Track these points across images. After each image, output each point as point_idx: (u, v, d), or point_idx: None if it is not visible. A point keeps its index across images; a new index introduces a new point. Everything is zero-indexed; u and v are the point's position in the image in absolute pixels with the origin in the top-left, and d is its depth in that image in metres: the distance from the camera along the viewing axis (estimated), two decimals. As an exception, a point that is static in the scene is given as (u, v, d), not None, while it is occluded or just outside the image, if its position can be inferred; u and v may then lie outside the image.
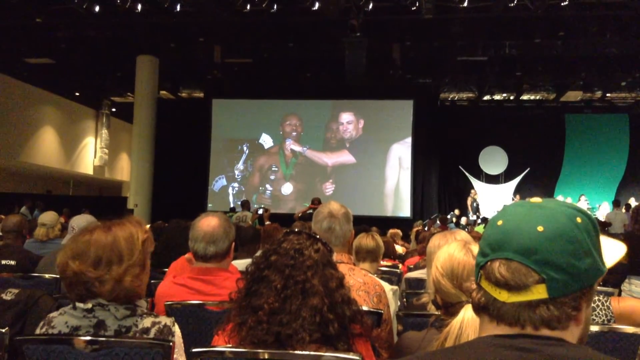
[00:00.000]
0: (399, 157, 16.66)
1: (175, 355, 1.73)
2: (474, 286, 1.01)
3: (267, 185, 17.20)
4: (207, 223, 2.53)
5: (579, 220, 0.96)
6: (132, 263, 1.77)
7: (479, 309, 1.00)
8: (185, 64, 17.28)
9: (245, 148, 17.33)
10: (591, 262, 0.95)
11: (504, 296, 0.94)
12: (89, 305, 1.74)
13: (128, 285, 1.76)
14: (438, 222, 13.61)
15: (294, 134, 17.19)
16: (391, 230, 8.29)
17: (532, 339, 0.92)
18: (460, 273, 1.68)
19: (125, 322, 1.74)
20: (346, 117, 17.00)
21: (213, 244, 2.49)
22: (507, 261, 0.94)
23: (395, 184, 16.68)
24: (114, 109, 21.84)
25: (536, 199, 1.02)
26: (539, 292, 0.92)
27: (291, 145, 17.13)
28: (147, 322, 1.76)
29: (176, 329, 1.80)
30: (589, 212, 1.03)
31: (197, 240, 2.51)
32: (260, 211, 11.68)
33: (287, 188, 17.05)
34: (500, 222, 0.98)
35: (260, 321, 1.57)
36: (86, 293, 1.73)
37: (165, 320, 1.79)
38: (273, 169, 17.20)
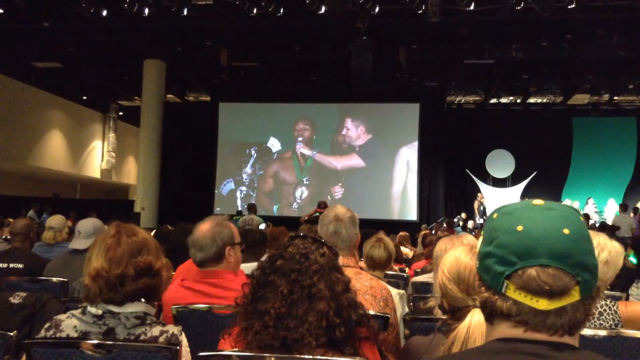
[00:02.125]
0: (407, 160, 16.65)
1: None
2: (495, 296, 0.97)
3: (280, 190, 17.22)
4: (199, 229, 2.59)
5: (581, 219, 0.99)
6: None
7: (497, 317, 0.98)
8: (192, 67, 17.31)
9: (253, 152, 17.36)
10: (596, 259, 0.98)
11: (543, 304, 0.92)
12: (100, 312, 1.75)
13: (169, 275, 1.91)
14: (445, 225, 13.58)
15: (303, 137, 17.21)
16: (401, 233, 8.27)
17: (545, 345, 0.92)
18: (467, 277, 1.68)
19: (135, 331, 1.75)
20: (357, 120, 17.01)
21: (200, 250, 2.52)
22: (544, 268, 0.93)
23: (403, 188, 16.67)
24: (121, 113, 21.91)
25: (537, 201, 1.01)
26: (575, 295, 0.92)
27: (301, 149, 17.16)
28: (155, 330, 1.77)
29: (183, 338, 1.82)
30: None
31: (190, 246, 2.57)
32: (262, 226, 11.55)
33: (300, 192, 17.07)
34: (520, 228, 0.96)
35: (266, 326, 1.57)
36: (145, 288, 1.80)
37: (173, 329, 1.80)
38: (287, 173, 17.21)
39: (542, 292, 0.92)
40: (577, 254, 0.92)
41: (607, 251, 2.29)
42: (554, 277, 0.92)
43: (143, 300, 1.82)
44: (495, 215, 1.03)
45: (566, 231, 0.93)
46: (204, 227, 2.57)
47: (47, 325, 1.82)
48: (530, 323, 0.94)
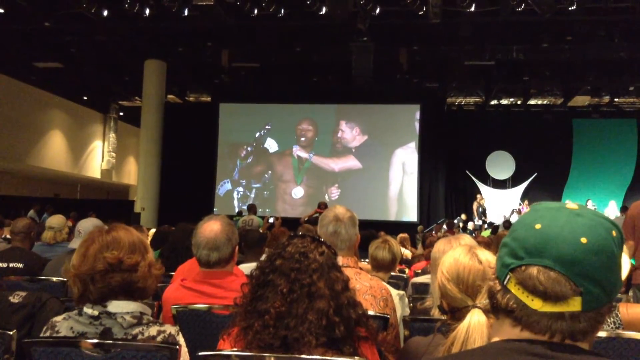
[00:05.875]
0: (404, 161, 16.64)
1: None
2: (498, 287, 0.98)
3: (277, 191, 17.21)
4: (210, 229, 2.50)
5: (614, 233, 0.95)
6: (152, 255, 1.86)
7: (501, 312, 0.97)
8: (193, 68, 17.33)
9: (250, 152, 17.35)
10: (618, 277, 0.95)
11: (537, 304, 0.92)
12: (96, 313, 1.74)
13: (157, 274, 1.84)
14: (445, 226, 13.58)
15: (306, 138, 17.19)
16: (401, 235, 8.26)
17: (549, 346, 0.92)
18: (466, 278, 1.68)
19: (132, 331, 1.74)
20: (352, 122, 17.00)
21: (216, 250, 2.47)
22: (547, 269, 0.91)
23: (401, 189, 16.66)
24: (121, 113, 21.92)
25: (572, 205, 0.99)
26: (574, 305, 0.91)
27: (298, 151, 17.14)
28: (152, 330, 1.77)
29: (180, 338, 1.81)
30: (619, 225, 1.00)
31: (199, 246, 2.49)
32: (272, 219, 11.59)
33: (297, 192, 17.05)
34: (538, 226, 0.95)
35: (266, 325, 1.57)
36: (119, 284, 1.75)
37: (170, 329, 1.80)
38: (285, 174, 17.19)
39: (537, 291, 0.92)
40: (587, 265, 0.90)
41: None
42: (553, 281, 0.91)
43: (137, 299, 1.82)
44: (527, 210, 1.03)
45: (584, 240, 0.91)
46: (216, 227, 2.51)
47: (44, 328, 1.82)
48: (524, 321, 0.93)
